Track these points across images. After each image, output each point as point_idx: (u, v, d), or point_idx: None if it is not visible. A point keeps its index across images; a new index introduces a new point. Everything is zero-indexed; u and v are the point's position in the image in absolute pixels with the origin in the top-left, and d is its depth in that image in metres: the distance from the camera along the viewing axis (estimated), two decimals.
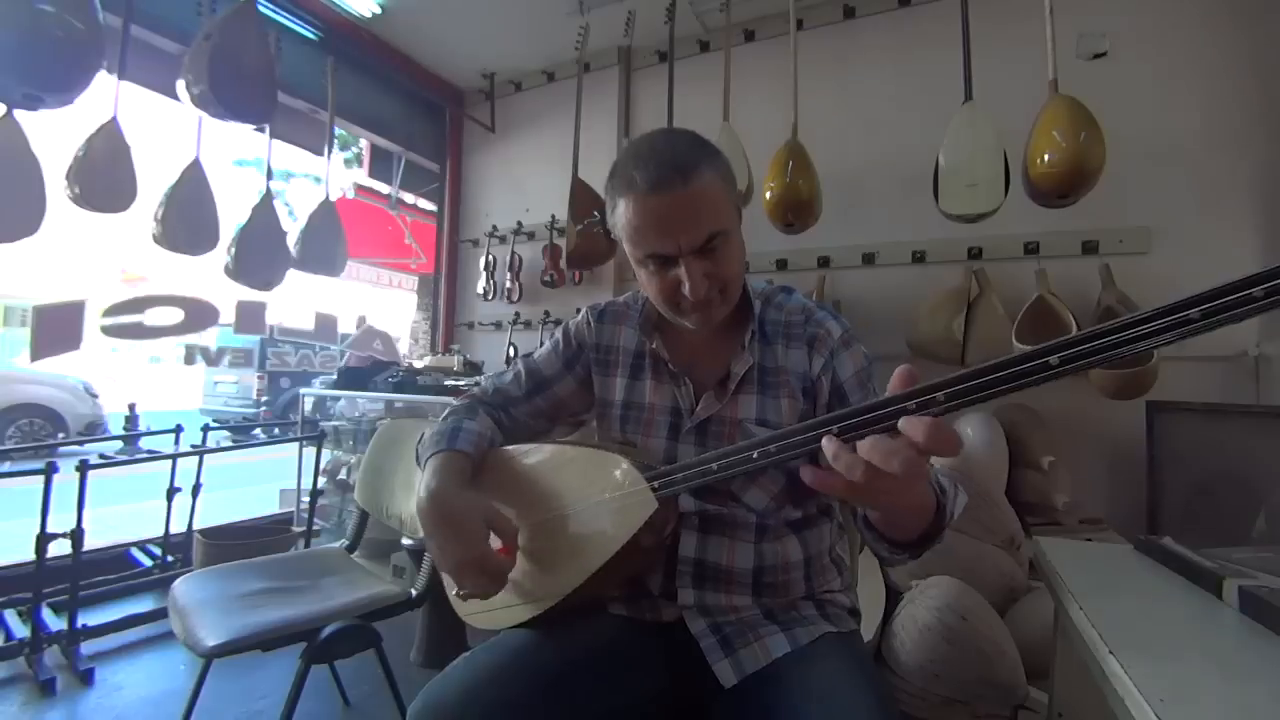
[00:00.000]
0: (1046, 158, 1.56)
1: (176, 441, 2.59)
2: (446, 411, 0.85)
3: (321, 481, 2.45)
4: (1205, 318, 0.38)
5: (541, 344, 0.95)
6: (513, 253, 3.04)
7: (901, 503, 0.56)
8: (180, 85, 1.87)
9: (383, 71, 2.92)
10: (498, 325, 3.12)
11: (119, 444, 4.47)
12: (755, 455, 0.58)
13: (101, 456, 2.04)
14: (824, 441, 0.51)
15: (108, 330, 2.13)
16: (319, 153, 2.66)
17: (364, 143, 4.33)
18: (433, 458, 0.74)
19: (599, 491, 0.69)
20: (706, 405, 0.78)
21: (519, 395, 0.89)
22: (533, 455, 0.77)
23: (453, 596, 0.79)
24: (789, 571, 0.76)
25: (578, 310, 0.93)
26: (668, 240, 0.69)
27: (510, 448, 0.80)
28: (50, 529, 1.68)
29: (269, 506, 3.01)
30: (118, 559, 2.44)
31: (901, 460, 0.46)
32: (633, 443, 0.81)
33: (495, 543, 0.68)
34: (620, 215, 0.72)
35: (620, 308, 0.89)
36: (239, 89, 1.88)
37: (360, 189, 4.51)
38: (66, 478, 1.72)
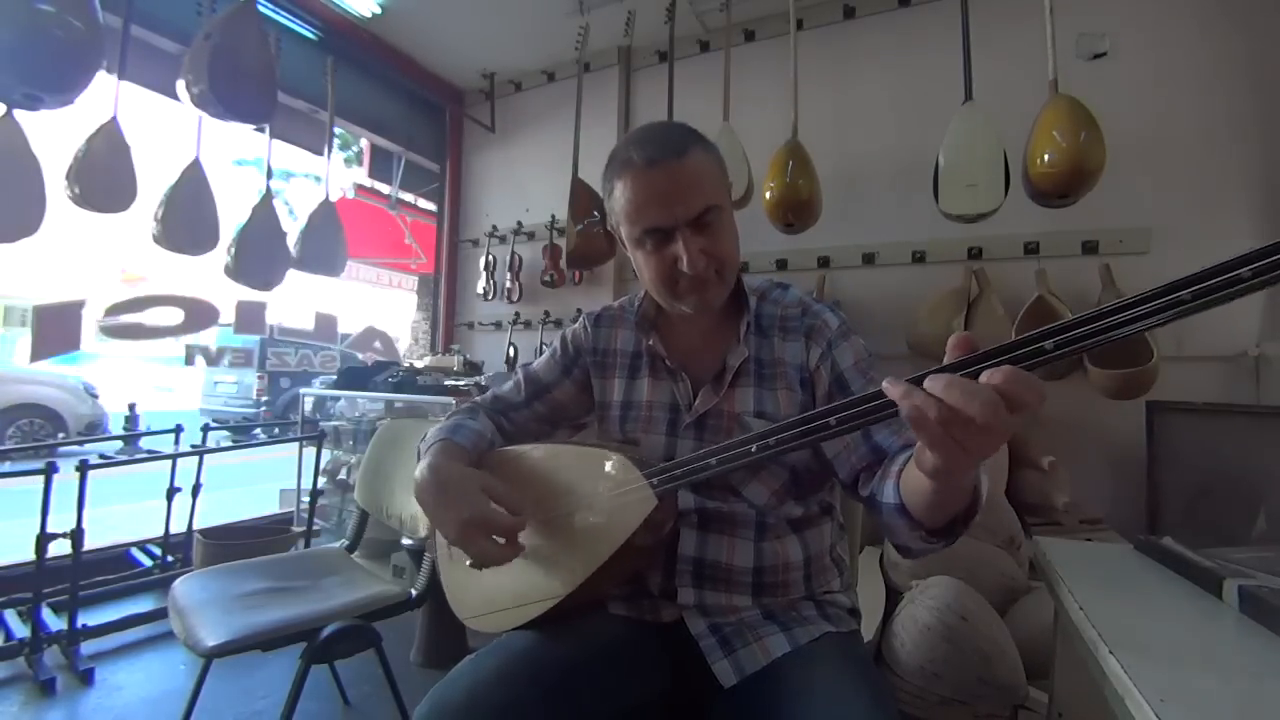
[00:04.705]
0: (1046, 158, 1.56)
1: (176, 441, 2.59)
2: (449, 413, 0.87)
3: (321, 481, 2.45)
4: (1197, 298, 0.38)
5: (541, 344, 0.96)
6: (513, 253, 3.04)
7: (964, 470, 0.49)
8: (180, 85, 1.87)
9: (383, 71, 2.92)
10: (498, 325, 3.12)
11: (119, 444, 4.47)
12: (754, 449, 0.58)
13: (101, 456, 2.04)
14: (885, 384, 0.46)
15: (108, 330, 2.13)
16: (319, 153, 2.66)
17: (364, 143, 4.33)
18: (430, 448, 0.77)
19: (599, 490, 0.69)
20: (704, 399, 0.78)
21: (519, 401, 0.91)
22: (532, 455, 0.78)
23: (453, 602, 0.78)
24: (789, 571, 0.76)
25: (578, 311, 0.94)
26: (665, 212, 0.71)
27: (510, 448, 0.81)
28: (50, 529, 1.67)
29: (269, 506, 3.01)
30: (118, 559, 2.44)
31: (983, 403, 0.41)
32: (634, 441, 0.81)
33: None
34: (618, 197, 0.74)
35: (616, 311, 0.91)
36: (239, 89, 1.88)
37: (360, 189, 4.51)
38: (66, 478, 1.72)
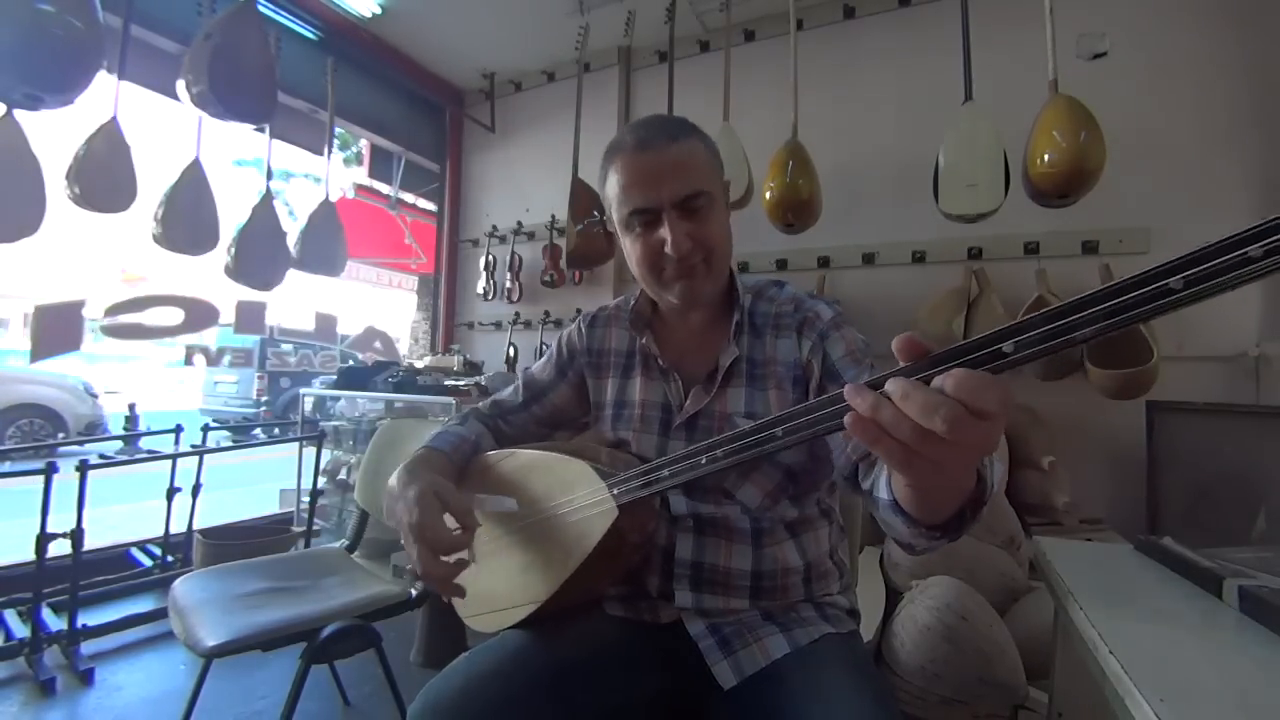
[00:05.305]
0: (1046, 158, 1.56)
1: (176, 441, 2.59)
2: (446, 423, 0.88)
3: (321, 481, 2.45)
4: (1190, 286, 0.32)
5: (541, 344, 0.96)
6: (513, 253, 3.04)
7: (938, 485, 0.45)
8: (180, 85, 1.87)
9: (383, 71, 2.92)
10: (498, 325, 3.12)
11: (119, 444, 4.47)
12: (703, 461, 0.56)
13: (101, 456, 2.04)
14: (846, 390, 0.41)
15: (108, 330, 2.13)
16: (319, 153, 2.66)
17: (364, 143, 4.33)
18: (411, 456, 0.77)
19: (568, 499, 0.69)
20: (695, 400, 0.78)
21: (517, 405, 0.92)
22: (512, 461, 0.78)
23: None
24: (788, 576, 0.75)
25: (578, 311, 0.94)
26: (651, 193, 0.71)
27: (491, 453, 0.81)
28: (50, 529, 1.67)
29: (269, 506, 3.01)
30: (118, 559, 2.44)
31: (946, 416, 0.36)
32: (626, 441, 0.80)
33: (452, 523, 0.66)
34: (611, 183, 0.75)
35: (611, 311, 0.91)
36: (239, 89, 1.88)
37: (360, 189, 4.51)
38: (66, 478, 1.72)
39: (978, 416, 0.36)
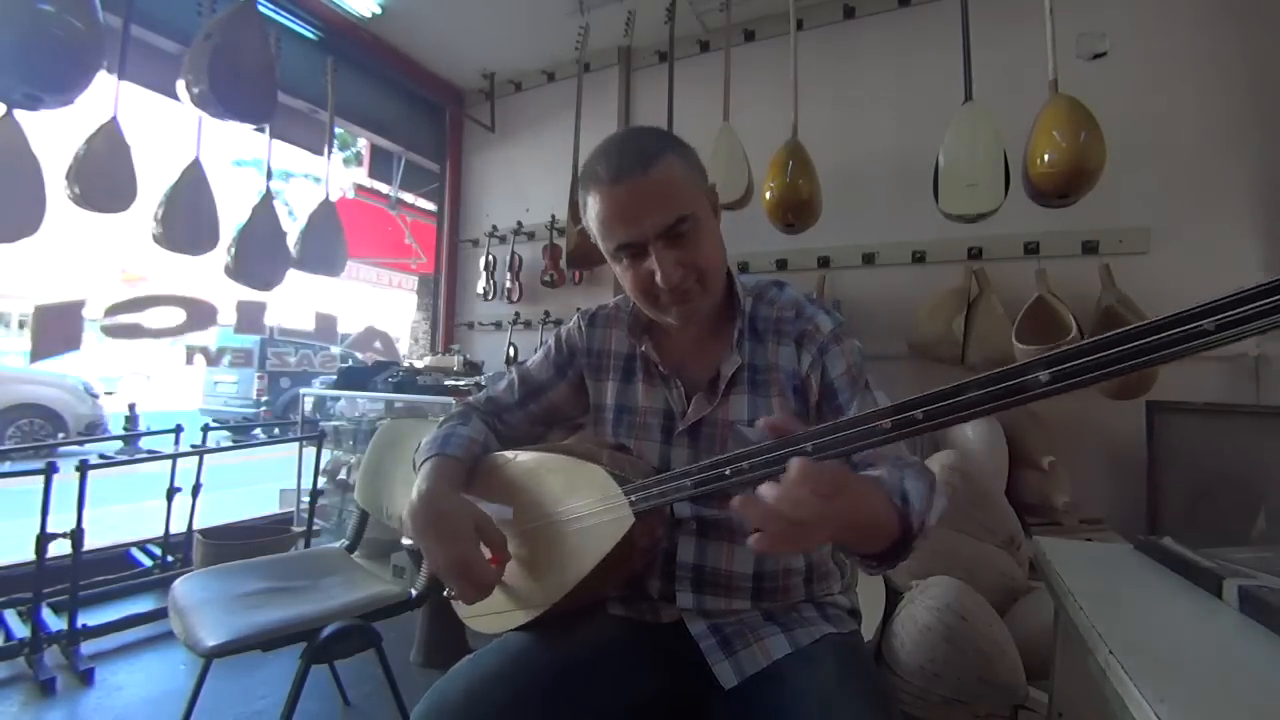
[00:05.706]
0: (1046, 158, 1.56)
1: (176, 441, 2.59)
2: (442, 419, 0.86)
3: (321, 481, 2.45)
4: (1221, 330, 0.34)
5: (542, 344, 0.95)
6: (513, 253, 3.04)
7: (848, 532, 0.55)
8: (180, 85, 1.87)
9: (383, 71, 2.92)
10: (498, 325, 3.13)
11: (119, 444, 4.47)
12: (728, 472, 0.56)
13: (101, 456, 2.04)
14: (736, 503, 0.51)
15: (108, 330, 2.13)
16: (319, 153, 2.66)
17: (364, 143, 4.33)
18: (425, 463, 0.75)
19: (580, 504, 0.68)
20: (697, 407, 0.77)
21: (512, 402, 0.90)
22: (521, 462, 0.77)
23: (454, 601, 0.79)
24: (789, 577, 0.75)
25: (578, 311, 0.93)
26: (633, 227, 0.69)
27: (499, 454, 0.80)
28: (50, 529, 1.68)
29: (269, 506, 3.01)
30: (118, 559, 2.44)
31: (809, 509, 0.47)
32: (626, 447, 0.80)
33: (486, 552, 0.68)
34: (590, 212, 0.72)
35: (611, 311, 0.89)
36: (239, 89, 1.88)
37: (360, 189, 4.51)
38: (66, 478, 1.72)
39: (825, 498, 0.47)
